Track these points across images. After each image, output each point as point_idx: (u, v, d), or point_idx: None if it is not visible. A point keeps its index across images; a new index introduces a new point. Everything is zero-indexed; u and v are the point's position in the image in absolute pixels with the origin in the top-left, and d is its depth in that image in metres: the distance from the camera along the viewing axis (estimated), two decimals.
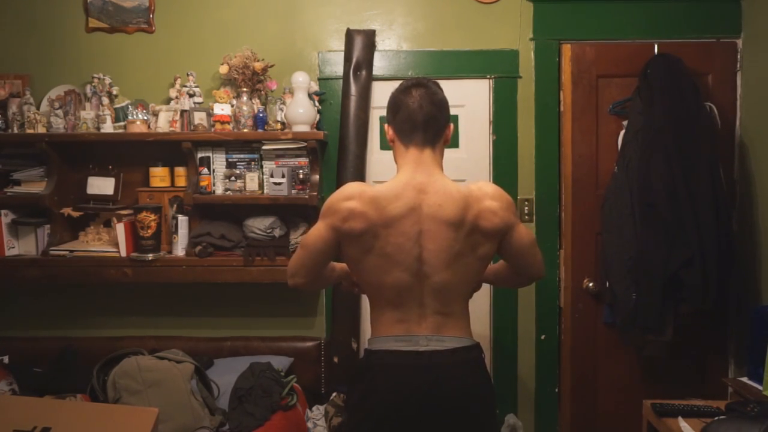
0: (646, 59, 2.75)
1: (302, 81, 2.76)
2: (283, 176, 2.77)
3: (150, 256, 2.78)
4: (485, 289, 3.09)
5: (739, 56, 2.91)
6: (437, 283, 1.75)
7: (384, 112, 3.01)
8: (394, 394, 1.74)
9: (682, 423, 2.17)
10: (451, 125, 1.88)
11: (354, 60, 2.92)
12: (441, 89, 1.85)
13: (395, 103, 1.84)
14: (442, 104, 1.82)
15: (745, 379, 2.48)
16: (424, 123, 1.79)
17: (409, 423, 1.73)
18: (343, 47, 2.97)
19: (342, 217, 1.74)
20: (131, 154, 2.95)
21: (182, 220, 2.86)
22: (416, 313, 1.77)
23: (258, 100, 2.87)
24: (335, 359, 2.91)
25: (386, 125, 1.89)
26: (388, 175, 3.01)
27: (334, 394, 2.78)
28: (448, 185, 1.78)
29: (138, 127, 2.82)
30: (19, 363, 2.84)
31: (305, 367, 2.94)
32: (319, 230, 1.79)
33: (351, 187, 1.80)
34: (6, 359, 2.85)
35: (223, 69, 2.86)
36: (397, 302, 1.77)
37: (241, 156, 2.88)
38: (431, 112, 1.79)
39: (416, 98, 1.80)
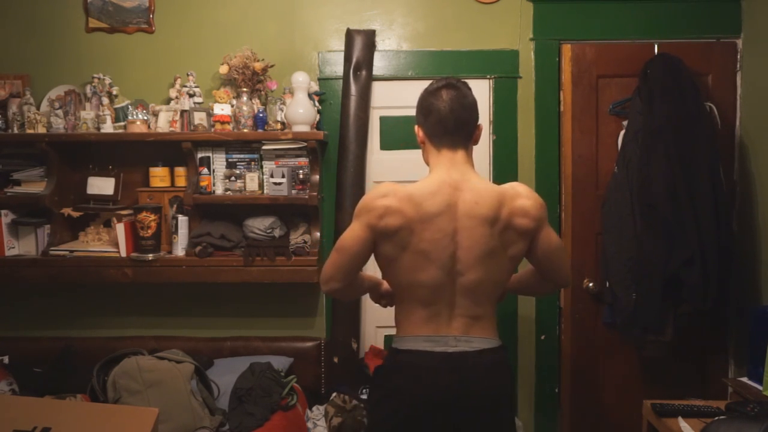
0: (646, 59, 2.75)
1: (302, 81, 2.76)
2: (283, 176, 2.77)
3: (150, 256, 2.78)
4: None
5: (739, 56, 2.91)
6: (469, 282, 1.76)
7: (384, 112, 3.07)
8: (422, 393, 1.75)
9: (682, 423, 2.17)
10: (481, 125, 1.89)
11: (354, 60, 2.92)
12: (470, 89, 1.88)
13: (426, 106, 1.87)
14: (472, 107, 1.85)
15: (745, 379, 2.49)
16: (456, 126, 1.82)
17: (436, 423, 1.75)
18: (343, 47, 2.97)
19: (378, 214, 1.74)
20: (131, 154, 2.95)
21: (182, 220, 2.86)
22: (446, 313, 1.78)
23: (258, 100, 2.87)
24: (335, 359, 2.91)
25: (416, 126, 1.92)
26: (388, 176, 3.03)
27: (334, 394, 2.78)
28: (482, 183, 1.81)
29: (138, 127, 2.82)
30: (19, 363, 2.84)
31: (305, 367, 2.94)
32: (354, 231, 1.79)
33: (385, 186, 1.80)
34: (6, 359, 2.85)
35: (223, 69, 2.86)
36: (428, 301, 1.78)
37: (241, 156, 2.88)
38: (462, 116, 1.82)
39: (446, 101, 1.82)
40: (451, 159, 1.82)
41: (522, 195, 1.79)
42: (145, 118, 2.86)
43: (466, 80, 2.97)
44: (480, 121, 1.89)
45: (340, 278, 1.81)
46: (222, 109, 2.80)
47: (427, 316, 1.79)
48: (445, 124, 1.82)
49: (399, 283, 1.82)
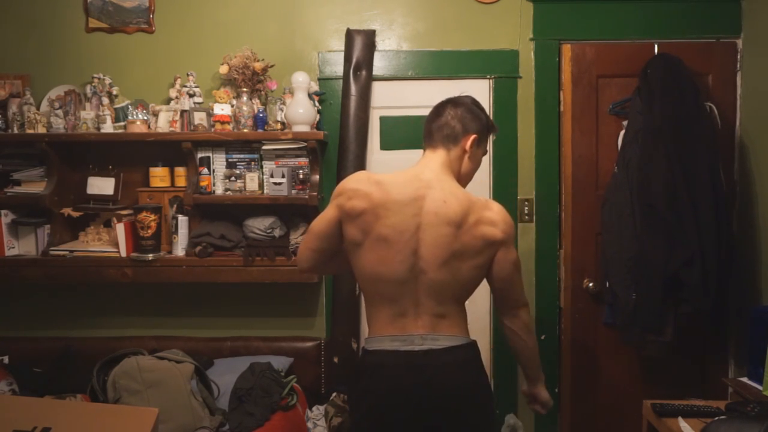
0: (646, 59, 2.75)
1: (302, 81, 2.76)
2: (283, 176, 2.77)
3: (150, 256, 2.78)
4: (485, 289, 3.08)
5: (739, 56, 2.91)
6: (432, 282, 1.76)
7: (384, 112, 3.07)
8: (390, 394, 1.76)
9: (682, 423, 2.17)
10: (473, 136, 1.90)
11: (354, 60, 2.92)
12: (471, 107, 1.94)
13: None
14: (462, 117, 1.90)
15: (745, 379, 2.49)
16: (438, 128, 1.91)
17: (405, 423, 1.76)
18: (343, 47, 2.97)
19: (347, 196, 1.81)
20: (131, 154, 2.95)
21: (182, 220, 2.86)
22: (412, 312, 1.79)
23: (258, 100, 2.87)
24: (335, 359, 2.91)
25: None
26: None
27: (334, 394, 2.78)
28: (455, 188, 1.84)
29: (138, 127, 2.82)
30: (19, 363, 2.84)
31: (305, 367, 2.94)
32: (325, 212, 1.88)
33: (360, 173, 1.91)
34: (6, 359, 2.85)
35: (223, 69, 2.86)
36: (392, 298, 1.79)
37: (241, 156, 2.88)
38: (446, 120, 1.91)
39: (436, 108, 1.96)
40: (430, 158, 1.89)
41: (492, 209, 1.84)
42: (145, 118, 2.86)
43: (466, 80, 2.99)
44: (475, 134, 1.90)
45: (307, 258, 1.91)
46: (222, 109, 2.80)
47: (393, 315, 1.80)
48: (429, 126, 1.93)
49: (363, 276, 1.84)
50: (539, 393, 2.03)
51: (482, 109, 1.97)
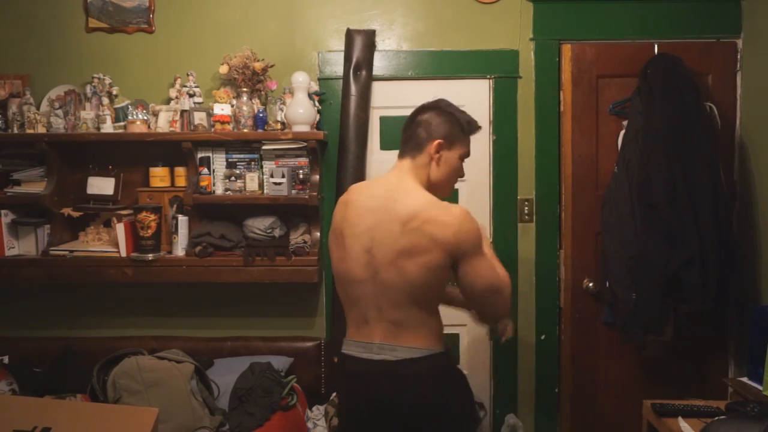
0: (646, 59, 2.75)
1: (302, 81, 2.76)
2: (283, 176, 2.77)
3: (150, 256, 2.78)
4: None
5: (739, 56, 2.91)
6: (385, 282, 1.76)
7: (384, 112, 3.07)
8: (354, 400, 1.83)
9: (682, 423, 2.17)
10: (437, 141, 1.86)
11: (354, 60, 2.92)
12: (440, 111, 1.90)
13: None
14: (426, 122, 1.89)
15: (745, 379, 2.49)
16: (405, 138, 1.92)
17: (367, 429, 1.81)
18: (343, 47, 2.97)
19: (337, 209, 1.93)
20: (131, 154, 2.94)
21: (182, 220, 2.86)
22: (373, 316, 1.80)
23: (258, 100, 2.87)
24: (335, 359, 2.90)
25: None
26: None
27: (334, 394, 2.78)
28: (415, 190, 1.83)
29: (138, 127, 2.82)
30: (19, 363, 2.84)
31: (305, 367, 2.94)
32: None
33: (352, 186, 2.00)
34: (6, 359, 2.85)
35: (223, 69, 2.86)
36: (354, 299, 1.83)
37: (241, 156, 2.88)
38: (412, 129, 1.90)
39: (408, 118, 1.94)
40: (398, 165, 1.90)
41: (451, 212, 1.76)
42: (145, 118, 2.86)
43: (466, 80, 3.00)
44: (440, 139, 1.87)
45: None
46: (222, 109, 2.80)
47: (357, 317, 1.84)
48: (401, 137, 1.94)
49: (334, 276, 1.92)
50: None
51: (453, 112, 1.90)
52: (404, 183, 1.84)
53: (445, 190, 1.92)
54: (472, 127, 1.93)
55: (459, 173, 1.93)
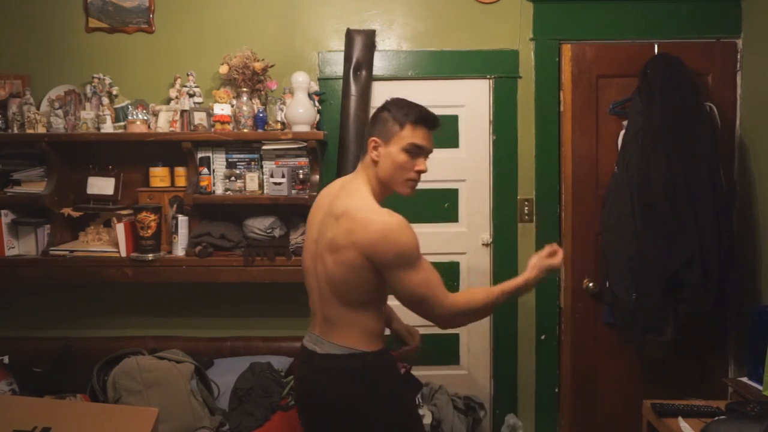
0: (646, 59, 2.75)
1: (302, 81, 2.76)
2: (283, 176, 2.77)
3: (150, 256, 2.78)
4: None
5: (739, 56, 2.91)
6: (319, 273, 1.84)
7: None
8: (296, 382, 2.01)
9: (682, 423, 2.17)
10: (371, 139, 1.87)
11: (354, 60, 2.92)
12: (380, 109, 1.90)
13: None
14: (369, 123, 1.94)
15: (745, 379, 2.49)
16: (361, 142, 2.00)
17: (305, 412, 1.94)
18: (343, 47, 2.97)
19: None
20: (131, 154, 2.95)
21: (182, 220, 2.86)
22: (317, 307, 1.88)
23: (258, 100, 2.87)
24: None
25: None
26: None
27: None
28: (359, 189, 1.84)
29: (138, 127, 2.82)
30: (19, 363, 2.84)
31: None
32: None
33: None
34: (6, 359, 2.85)
35: (223, 69, 2.86)
36: (308, 288, 1.93)
37: (241, 156, 2.88)
38: (364, 133, 1.96)
39: None
40: (358, 166, 1.95)
41: (380, 220, 1.74)
42: (145, 118, 2.86)
43: (466, 80, 3.00)
44: (373, 137, 1.87)
45: None
46: (222, 109, 2.80)
47: (311, 309, 1.92)
48: None
49: None
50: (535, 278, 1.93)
51: (390, 108, 1.86)
52: (353, 182, 1.88)
53: (396, 186, 1.87)
54: (408, 118, 1.84)
55: (407, 166, 1.84)
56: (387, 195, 1.91)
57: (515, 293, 1.91)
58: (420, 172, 1.87)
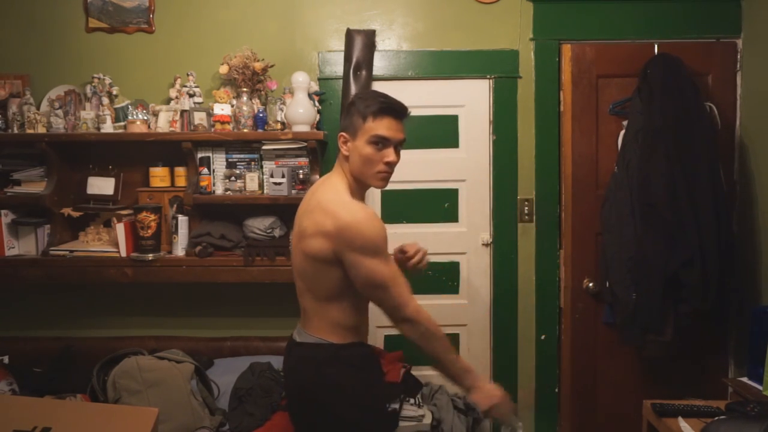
0: (646, 59, 2.75)
1: (302, 81, 2.76)
2: (283, 176, 2.77)
3: (150, 256, 2.78)
4: (485, 288, 3.09)
5: (739, 56, 2.91)
6: (296, 268, 1.90)
7: None
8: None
9: (682, 423, 2.17)
10: (341, 134, 1.88)
11: (354, 60, 2.91)
12: (353, 99, 1.93)
13: None
14: (342, 115, 1.98)
15: (745, 379, 2.49)
16: None
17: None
18: (343, 47, 2.97)
19: None
20: (131, 154, 2.95)
21: (182, 220, 2.86)
22: (300, 300, 1.94)
23: (258, 100, 2.87)
24: None
25: None
26: None
27: None
28: (335, 184, 1.86)
29: (138, 127, 2.82)
30: (19, 363, 2.84)
31: None
32: None
33: None
34: (6, 359, 2.85)
35: (223, 69, 2.86)
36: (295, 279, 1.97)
37: (241, 156, 2.88)
38: None
39: None
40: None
41: (347, 210, 1.75)
42: (145, 118, 2.86)
43: (466, 80, 3.00)
44: (341, 132, 1.88)
45: None
46: (222, 109, 2.80)
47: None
48: None
49: None
50: (474, 399, 1.86)
51: (355, 102, 1.86)
52: (331, 178, 1.90)
53: (368, 180, 1.85)
54: (369, 109, 1.82)
55: (375, 159, 1.81)
56: (365, 189, 1.90)
57: (455, 371, 1.83)
58: (389, 163, 1.83)
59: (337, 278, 1.80)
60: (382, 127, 1.81)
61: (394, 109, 1.84)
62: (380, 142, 1.82)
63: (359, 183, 1.87)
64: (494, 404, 1.84)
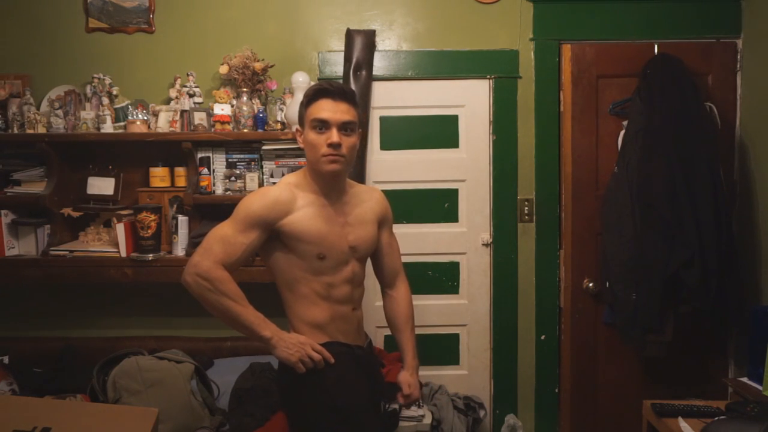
0: (646, 59, 2.76)
1: (302, 81, 2.76)
2: (283, 176, 2.77)
3: (150, 256, 2.78)
4: (485, 288, 3.09)
5: (739, 56, 2.91)
6: None
7: (384, 112, 3.07)
8: None
9: (682, 423, 2.17)
10: (296, 129, 1.91)
11: (354, 60, 2.92)
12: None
13: None
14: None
15: (745, 379, 2.48)
16: None
17: None
18: (343, 47, 2.97)
19: None
20: (131, 154, 2.94)
21: (182, 220, 2.86)
22: None
23: (258, 100, 2.87)
24: None
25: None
26: (388, 176, 3.03)
27: None
28: (294, 175, 1.96)
29: (138, 127, 2.82)
30: (19, 363, 2.84)
31: None
32: None
33: None
34: (6, 359, 2.84)
35: (223, 69, 2.86)
36: None
37: (241, 156, 2.88)
38: None
39: None
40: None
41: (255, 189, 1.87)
42: (145, 118, 2.86)
43: (465, 80, 3.00)
44: (296, 126, 1.92)
45: None
46: (222, 109, 2.80)
47: None
48: None
49: None
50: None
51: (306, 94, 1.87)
52: (300, 172, 1.94)
53: (318, 166, 1.83)
54: (307, 97, 1.83)
55: (318, 142, 1.80)
56: (325, 179, 1.85)
57: (252, 328, 1.94)
58: (332, 144, 1.78)
59: (274, 261, 1.95)
60: (319, 108, 1.80)
61: (328, 91, 1.81)
62: (320, 125, 1.80)
63: (315, 173, 1.86)
64: (296, 358, 1.85)
